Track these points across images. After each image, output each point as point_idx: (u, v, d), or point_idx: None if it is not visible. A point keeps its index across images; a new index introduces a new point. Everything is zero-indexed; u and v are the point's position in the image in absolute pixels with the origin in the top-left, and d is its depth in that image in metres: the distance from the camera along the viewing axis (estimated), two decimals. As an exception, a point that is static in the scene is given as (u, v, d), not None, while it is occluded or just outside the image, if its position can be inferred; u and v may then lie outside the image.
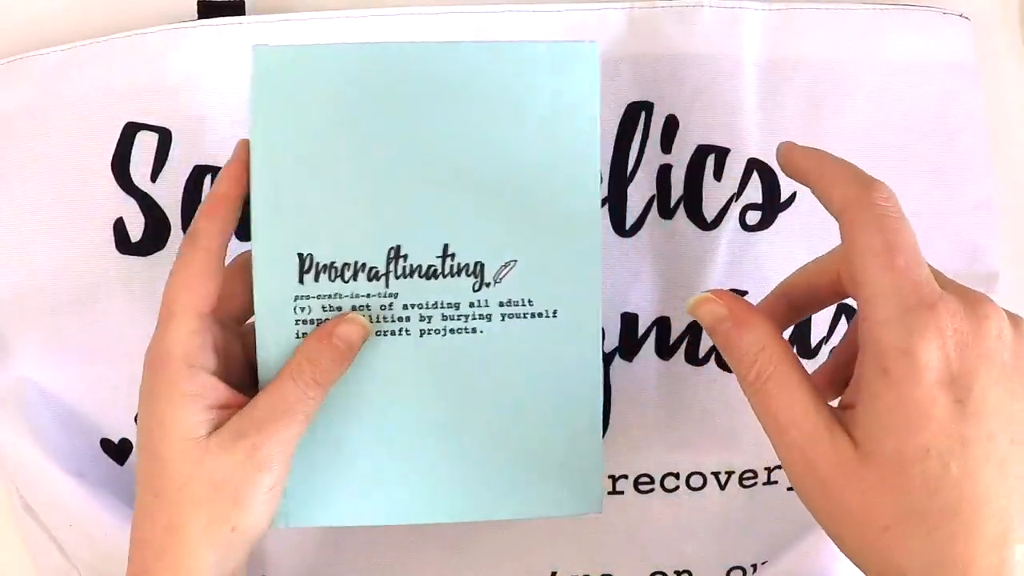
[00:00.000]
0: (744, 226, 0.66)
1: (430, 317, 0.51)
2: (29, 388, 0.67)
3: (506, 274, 0.51)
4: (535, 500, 0.53)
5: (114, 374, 0.67)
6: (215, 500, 0.50)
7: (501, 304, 0.51)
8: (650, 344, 0.66)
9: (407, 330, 0.51)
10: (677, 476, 0.67)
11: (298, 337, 0.51)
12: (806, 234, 0.67)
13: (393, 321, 0.51)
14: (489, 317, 0.51)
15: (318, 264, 0.51)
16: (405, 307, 0.51)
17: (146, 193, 0.65)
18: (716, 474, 0.67)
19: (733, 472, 0.67)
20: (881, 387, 0.42)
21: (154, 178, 0.65)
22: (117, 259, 0.66)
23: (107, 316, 0.67)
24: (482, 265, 0.51)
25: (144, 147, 0.66)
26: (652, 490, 0.67)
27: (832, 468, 0.43)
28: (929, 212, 0.68)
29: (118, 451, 0.68)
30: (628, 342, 0.66)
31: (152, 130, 0.65)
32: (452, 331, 0.51)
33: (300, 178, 0.50)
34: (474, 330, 0.51)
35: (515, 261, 0.51)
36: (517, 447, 0.53)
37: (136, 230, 0.66)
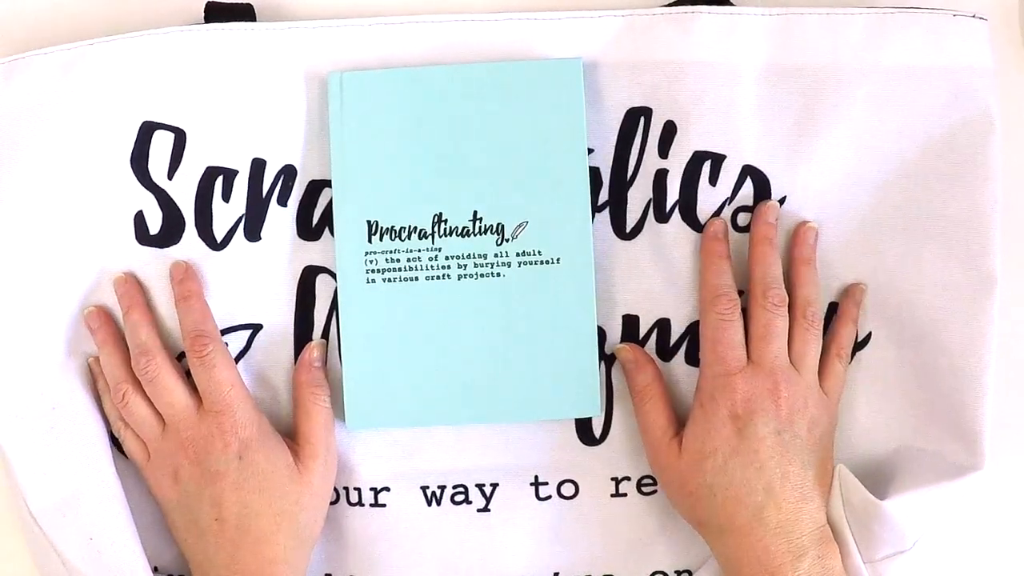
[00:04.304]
0: (735, 227, 0.67)
1: (465, 265, 0.66)
2: (47, 383, 0.67)
3: (520, 232, 0.66)
4: (546, 406, 0.67)
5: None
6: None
7: (518, 254, 0.66)
8: (651, 346, 0.68)
9: (448, 275, 0.66)
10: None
11: (368, 283, 0.66)
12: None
13: (438, 269, 0.66)
14: (509, 264, 0.66)
15: (382, 228, 0.66)
16: (447, 258, 0.66)
17: (163, 190, 0.66)
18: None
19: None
20: (698, 415, 0.65)
21: (170, 176, 0.66)
22: (136, 250, 0.67)
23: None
24: (502, 226, 0.66)
25: (161, 146, 0.66)
26: (655, 491, 0.69)
27: (667, 457, 0.66)
28: (926, 217, 0.66)
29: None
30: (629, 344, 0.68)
31: (168, 130, 0.66)
32: (482, 275, 0.66)
33: (367, 167, 0.66)
34: (498, 274, 0.66)
35: (527, 222, 0.66)
36: (531, 364, 0.67)
37: (155, 223, 0.67)
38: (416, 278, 0.67)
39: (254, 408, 0.66)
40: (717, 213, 0.67)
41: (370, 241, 0.66)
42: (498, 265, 0.66)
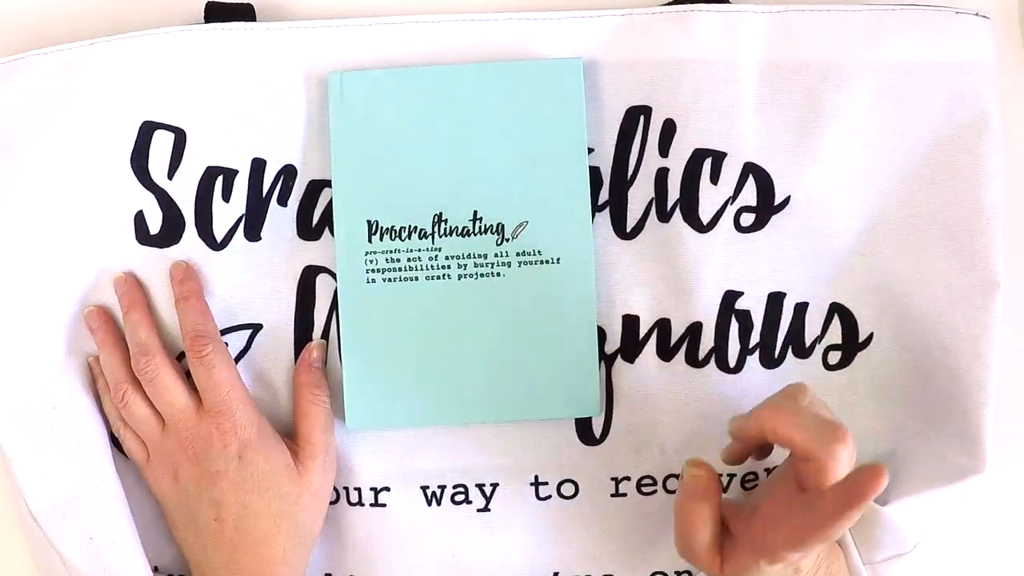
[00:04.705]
0: (738, 228, 0.67)
1: (465, 265, 0.66)
2: (47, 382, 0.67)
3: (520, 232, 0.66)
4: (546, 405, 0.67)
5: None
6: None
7: (518, 254, 0.66)
8: (651, 346, 0.68)
9: (448, 275, 0.66)
10: (679, 478, 0.66)
11: (368, 282, 0.66)
12: (800, 235, 0.67)
13: (438, 268, 0.66)
14: (509, 264, 0.66)
15: (382, 228, 0.66)
16: (447, 258, 0.66)
17: (163, 190, 0.66)
18: (718, 476, 0.65)
19: (735, 474, 0.69)
20: (752, 567, 0.59)
21: (171, 176, 0.66)
22: (136, 250, 0.67)
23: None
24: (503, 225, 0.66)
25: (161, 145, 0.66)
26: (655, 492, 0.69)
27: (709, 566, 0.61)
28: (928, 217, 0.66)
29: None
30: (629, 344, 0.68)
31: (168, 129, 0.66)
32: (482, 275, 0.66)
33: (368, 167, 0.66)
34: (498, 274, 0.66)
35: (527, 222, 0.66)
36: (531, 363, 0.67)
37: (155, 223, 0.67)
38: (416, 278, 0.67)
39: (254, 409, 0.66)
40: (720, 212, 0.66)
41: (370, 241, 0.66)
42: (498, 265, 0.66)
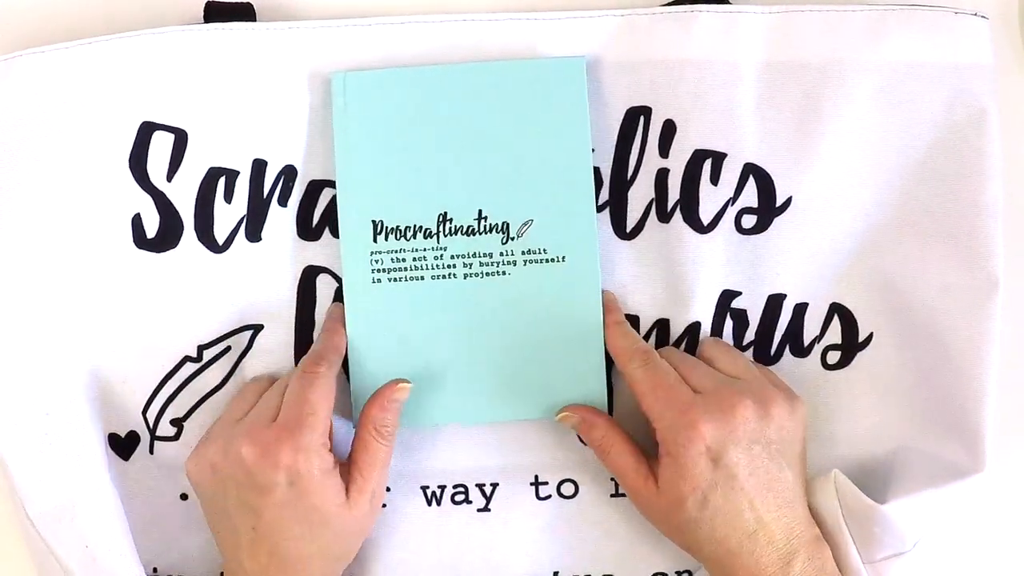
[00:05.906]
0: (740, 229, 0.67)
1: (471, 264, 0.66)
2: (41, 387, 0.66)
3: (526, 230, 0.66)
4: (551, 404, 0.67)
5: (124, 367, 0.67)
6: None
7: (523, 253, 0.66)
8: (650, 346, 0.67)
9: (454, 274, 0.66)
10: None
11: (374, 282, 0.66)
12: (801, 236, 0.67)
13: (443, 268, 0.66)
14: (515, 263, 0.66)
15: (387, 227, 0.66)
16: (452, 257, 0.66)
17: (162, 192, 0.66)
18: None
19: None
20: (668, 461, 0.63)
21: (170, 178, 0.66)
22: (134, 254, 0.66)
23: (119, 309, 0.67)
24: (508, 224, 0.66)
25: (160, 147, 0.65)
26: None
27: (647, 497, 0.64)
28: (928, 216, 0.66)
29: (124, 446, 0.69)
30: None
31: (168, 130, 0.65)
32: (487, 274, 0.66)
33: (372, 167, 0.66)
34: (504, 273, 0.66)
35: (532, 220, 0.66)
36: (536, 362, 0.67)
37: (152, 227, 0.66)
38: (422, 277, 0.67)
39: (323, 445, 0.62)
40: (721, 213, 0.67)
41: (375, 241, 0.66)
42: (503, 264, 0.67)
